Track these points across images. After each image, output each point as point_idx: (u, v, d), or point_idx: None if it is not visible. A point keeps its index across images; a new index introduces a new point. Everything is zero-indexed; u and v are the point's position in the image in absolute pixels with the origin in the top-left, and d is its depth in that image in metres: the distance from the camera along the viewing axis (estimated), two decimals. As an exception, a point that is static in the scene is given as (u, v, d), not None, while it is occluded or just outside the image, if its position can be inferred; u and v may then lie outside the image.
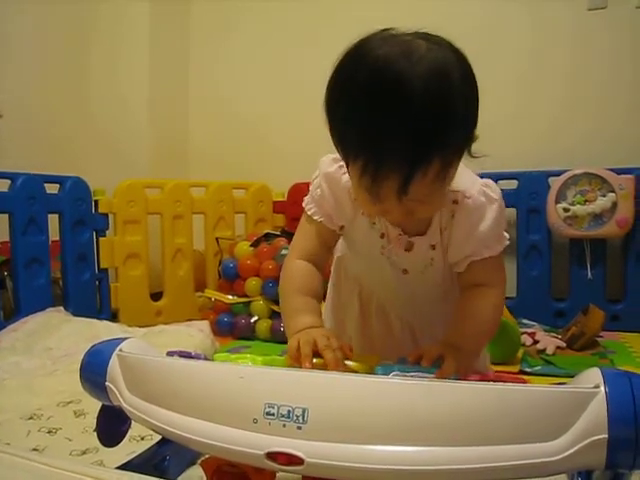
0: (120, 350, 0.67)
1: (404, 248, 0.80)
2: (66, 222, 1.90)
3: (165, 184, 2.18)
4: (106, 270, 2.04)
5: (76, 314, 1.81)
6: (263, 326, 1.93)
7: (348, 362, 0.62)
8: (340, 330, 0.91)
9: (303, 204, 0.85)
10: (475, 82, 0.67)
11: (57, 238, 1.91)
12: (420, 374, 0.55)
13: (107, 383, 0.66)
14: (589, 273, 1.87)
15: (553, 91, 2.09)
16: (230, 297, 2.04)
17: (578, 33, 2.05)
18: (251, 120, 2.55)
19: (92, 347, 0.71)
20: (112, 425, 0.72)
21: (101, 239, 2.02)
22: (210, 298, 2.08)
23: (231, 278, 2.06)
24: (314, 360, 0.62)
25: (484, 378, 0.56)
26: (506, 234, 0.81)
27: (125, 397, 0.64)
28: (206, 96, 2.65)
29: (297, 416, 0.50)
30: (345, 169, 0.75)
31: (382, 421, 0.49)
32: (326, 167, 0.82)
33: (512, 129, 2.11)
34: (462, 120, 0.65)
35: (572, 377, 0.53)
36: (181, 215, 2.19)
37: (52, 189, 1.88)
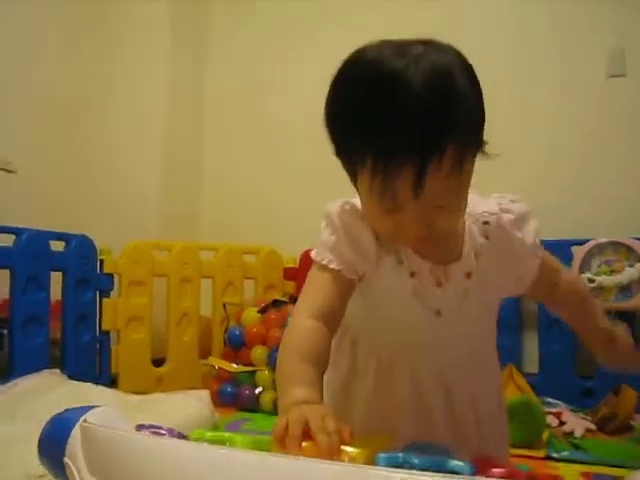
0: (84, 420, 0.59)
1: (436, 283, 0.73)
2: (69, 280, 1.85)
3: (173, 246, 2.13)
4: (108, 333, 1.97)
5: (73, 377, 1.72)
6: (268, 398, 1.82)
7: (345, 448, 0.51)
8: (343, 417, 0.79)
9: (313, 256, 0.75)
10: (477, 78, 0.66)
11: (60, 298, 1.86)
12: (431, 470, 0.45)
13: (65, 459, 0.57)
14: (618, 349, 1.74)
15: (575, 157, 2.04)
16: (235, 366, 1.94)
17: (600, 99, 2.02)
18: (263, 184, 2.52)
19: (55, 415, 0.62)
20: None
21: (104, 300, 1.96)
22: (214, 366, 1.99)
23: (237, 346, 1.97)
24: (303, 444, 0.52)
25: (512, 475, 0.46)
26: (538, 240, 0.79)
27: (85, 479, 0.55)
28: (219, 161, 2.65)
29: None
30: (356, 209, 0.72)
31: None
32: (338, 209, 0.74)
33: (531, 195, 2.04)
34: (469, 110, 0.64)
35: (605, 465, 0.42)
36: (189, 278, 2.13)
37: (58, 247, 1.84)
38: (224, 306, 2.16)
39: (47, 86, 2.19)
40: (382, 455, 0.47)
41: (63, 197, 2.17)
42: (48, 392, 1.54)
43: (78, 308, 1.87)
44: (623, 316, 1.75)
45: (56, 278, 1.84)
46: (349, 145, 0.66)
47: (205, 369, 2.07)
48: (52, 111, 2.21)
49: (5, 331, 1.78)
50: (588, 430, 1.51)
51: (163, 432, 0.57)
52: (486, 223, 0.74)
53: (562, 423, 1.56)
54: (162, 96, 2.50)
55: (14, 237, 1.71)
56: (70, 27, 2.29)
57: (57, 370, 1.71)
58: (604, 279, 1.73)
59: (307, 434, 0.52)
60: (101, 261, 1.96)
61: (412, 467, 0.45)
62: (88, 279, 1.91)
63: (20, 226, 1.73)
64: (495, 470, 0.48)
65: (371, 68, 0.63)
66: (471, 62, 0.65)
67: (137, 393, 1.71)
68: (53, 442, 0.59)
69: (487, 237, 0.74)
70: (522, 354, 1.97)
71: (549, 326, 1.90)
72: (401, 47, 0.64)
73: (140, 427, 0.58)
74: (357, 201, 0.73)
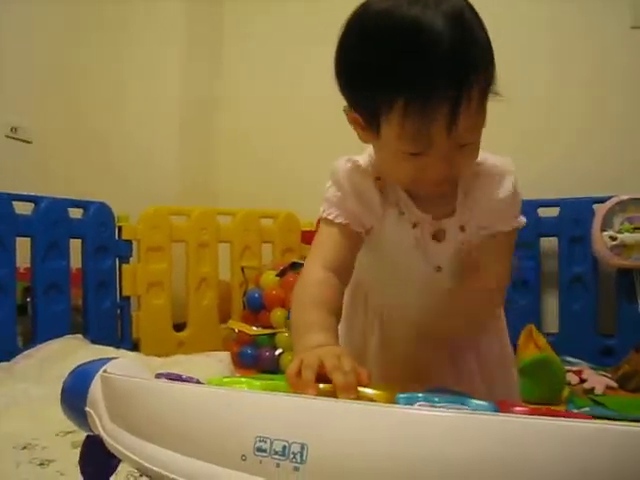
0: (104, 371, 0.59)
1: (435, 238, 0.75)
2: (88, 248, 1.86)
3: (191, 211, 2.13)
4: (128, 298, 1.99)
5: (95, 342, 1.75)
6: (288, 359, 1.83)
7: (363, 389, 0.51)
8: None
9: (320, 213, 0.77)
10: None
11: (80, 266, 1.88)
12: (455, 405, 0.44)
13: (87, 408, 0.58)
14: (640, 307, 1.72)
15: (602, 119, 1.97)
16: (254, 328, 1.96)
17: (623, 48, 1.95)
18: (279, 149, 2.50)
19: (76, 367, 0.63)
20: (98, 459, 0.63)
21: (124, 266, 1.97)
22: (234, 329, 2.00)
23: (256, 309, 1.98)
24: (320, 386, 0.51)
25: (535, 412, 0.45)
26: (522, 217, 0.79)
27: (106, 426, 0.55)
28: (234, 126, 2.63)
29: (294, 454, 0.40)
30: (359, 164, 0.74)
31: (404, 464, 0.39)
32: (344, 166, 0.76)
33: (550, 152, 2.00)
34: (485, 46, 0.66)
35: (626, 420, 0.41)
36: (207, 243, 2.14)
37: (76, 214, 1.86)
38: (242, 270, 2.16)
39: (62, 56, 2.17)
40: (402, 395, 0.46)
41: (80, 165, 2.17)
42: (72, 355, 1.57)
43: (98, 275, 1.89)
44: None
45: (76, 245, 1.86)
46: (374, 92, 0.65)
47: (225, 332, 2.09)
48: (67, 80, 2.19)
49: (29, 299, 1.82)
50: (609, 387, 1.50)
51: (183, 379, 0.57)
52: (476, 175, 0.75)
53: (583, 381, 1.55)
54: (177, 61, 2.47)
55: (33, 205, 1.72)
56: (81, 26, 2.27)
57: (79, 335, 1.75)
58: (626, 236, 1.70)
59: (323, 377, 0.52)
60: (119, 228, 1.97)
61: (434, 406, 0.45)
62: (107, 246, 1.92)
63: (38, 194, 1.74)
64: (518, 409, 0.47)
65: (390, 15, 0.64)
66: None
67: (159, 357, 1.74)
68: (75, 392, 0.60)
69: (476, 189, 0.75)
70: (542, 314, 1.95)
71: (569, 285, 1.88)
72: None
73: (159, 375, 0.59)
74: (360, 157, 0.76)
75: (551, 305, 1.96)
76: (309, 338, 0.61)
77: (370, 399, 0.49)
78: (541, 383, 1.39)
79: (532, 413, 0.44)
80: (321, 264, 0.72)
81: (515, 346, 1.76)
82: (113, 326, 1.95)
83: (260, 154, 2.55)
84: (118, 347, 1.72)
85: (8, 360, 1.54)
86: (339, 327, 0.68)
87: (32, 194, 1.72)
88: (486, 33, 0.66)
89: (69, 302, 1.80)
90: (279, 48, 2.52)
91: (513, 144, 2.00)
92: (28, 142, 2.05)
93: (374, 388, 0.51)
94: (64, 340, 1.66)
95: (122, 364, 0.62)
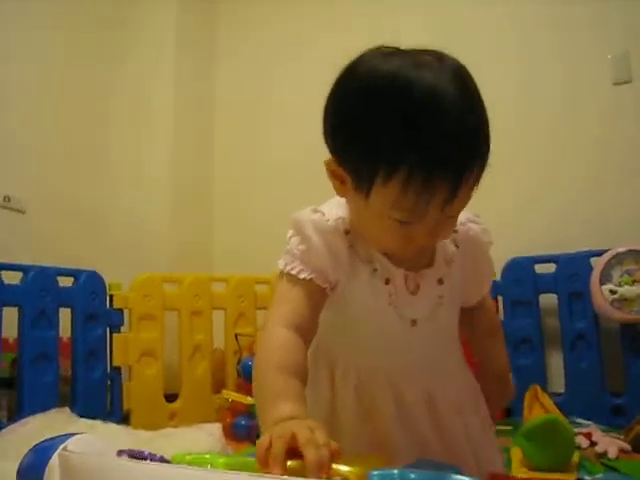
0: (64, 449, 0.55)
1: (410, 291, 0.72)
2: (78, 317, 1.83)
3: (184, 278, 2.10)
4: (119, 368, 1.93)
5: (84, 415, 1.68)
6: (283, 429, 1.75)
7: (337, 466, 0.46)
8: None
9: (280, 267, 0.71)
10: None
11: (69, 336, 1.84)
12: None
13: (41, 493, 0.53)
14: (647, 362, 1.66)
15: (582, 169, 1.98)
16: (249, 398, 1.88)
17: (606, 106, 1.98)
18: (275, 213, 2.50)
19: (36, 444, 0.59)
20: None
21: (115, 335, 1.93)
22: (227, 399, 1.93)
23: (250, 377, 1.91)
24: (289, 463, 0.46)
25: None
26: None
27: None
28: (229, 189, 2.65)
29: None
30: (328, 213, 0.72)
31: None
32: (309, 216, 0.72)
33: (546, 208, 2.00)
34: (487, 123, 0.65)
35: None
36: (200, 311, 2.10)
37: (67, 283, 1.83)
38: (236, 337, 2.11)
39: (50, 119, 2.21)
40: (375, 472, 0.42)
41: (72, 233, 2.17)
42: (58, 431, 1.50)
43: (88, 344, 1.84)
44: (650, 327, 1.68)
45: (65, 316, 1.82)
46: (376, 159, 0.62)
47: (219, 402, 2.01)
48: (57, 150, 2.22)
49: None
50: (622, 450, 1.42)
51: (145, 456, 0.53)
52: (454, 231, 0.74)
53: (593, 444, 1.47)
54: (170, 120, 2.51)
55: (21, 274, 1.70)
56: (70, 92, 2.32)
57: (66, 408, 1.67)
58: (627, 290, 1.66)
59: (294, 453, 0.47)
60: (111, 296, 1.94)
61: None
62: (97, 315, 1.88)
63: (27, 263, 1.72)
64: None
65: (401, 79, 0.61)
66: (472, 71, 0.65)
67: (150, 429, 1.66)
68: (31, 472, 0.55)
69: (456, 245, 0.76)
70: (547, 373, 1.88)
71: (574, 342, 1.82)
72: (413, 57, 0.64)
73: (121, 452, 0.54)
74: (325, 208, 0.73)
75: (555, 364, 1.89)
76: (277, 409, 0.56)
77: (344, 477, 0.45)
78: (549, 448, 1.30)
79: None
80: (284, 324, 0.66)
81: (520, 409, 1.70)
82: (102, 398, 1.88)
83: (256, 218, 2.55)
84: (106, 420, 1.65)
85: (-9, 436, 1.47)
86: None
87: (20, 263, 1.70)
88: (482, 100, 0.65)
89: (58, 373, 1.75)
90: (277, 113, 2.57)
91: (509, 202, 2.00)
92: (22, 212, 2.06)
93: (348, 464, 0.46)
94: (50, 414, 1.59)
95: (83, 440, 0.58)
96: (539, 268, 1.90)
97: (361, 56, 0.66)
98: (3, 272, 1.66)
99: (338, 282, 0.72)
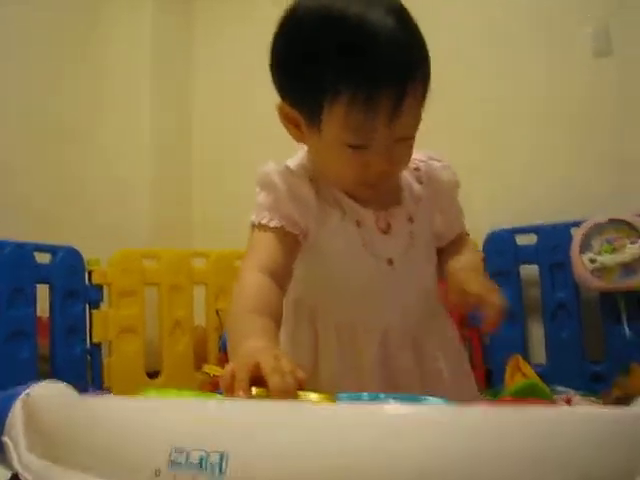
0: (27, 394, 0.53)
1: (381, 230, 0.73)
2: (57, 294, 1.79)
3: (163, 253, 2.08)
4: (99, 345, 1.91)
5: (62, 393, 1.66)
6: (266, 402, 1.75)
7: (303, 393, 0.45)
8: None
9: (251, 220, 0.74)
10: None
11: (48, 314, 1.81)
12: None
13: (4, 438, 0.51)
14: (626, 330, 1.66)
15: (564, 139, 1.98)
16: (231, 372, 1.88)
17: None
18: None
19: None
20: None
21: (94, 311, 1.90)
22: (209, 374, 1.92)
23: (232, 351, 1.90)
24: (253, 390, 0.46)
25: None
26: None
27: (22, 456, 0.49)
28: (210, 159, 2.61)
29: (212, 465, 0.35)
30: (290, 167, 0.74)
31: (337, 463, 0.33)
32: (274, 167, 0.74)
33: (525, 179, 1.99)
34: (424, 43, 0.68)
35: None
36: (180, 286, 2.08)
37: (43, 259, 1.80)
38: (217, 313, 2.10)
39: (30, 99, 2.16)
40: (344, 394, 0.41)
41: (45, 207, 2.13)
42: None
43: (67, 321, 1.81)
44: (628, 295, 1.69)
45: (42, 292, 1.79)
46: (319, 83, 0.65)
47: (201, 378, 2.00)
48: (35, 121, 2.17)
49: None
50: (600, 414, 1.44)
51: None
52: (417, 169, 0.78)
53: (572, 409, 1.49)
54: (148, 93, 2.46)
55: (-5, 251, 1.67)
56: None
57: (45, 384, 1.66)
58: (606, 258, 1.66)
59: (260, 380, 0.46)
60: (89, 272, 1.91)
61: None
62: (76, 291, 1.85)
63: (2, 239, 1.68)
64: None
65: (334, 9, 0.65)
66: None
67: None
68: (-8, 421, 0.53)
69: (420, 182, 0.78)
70: (528, 344, 1.89)
71: (554, 312, 1.83)
72: None
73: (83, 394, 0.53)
74: (288, 161, 0.76)
75: (537, 335, 1.91)
76: (247, 344, 0.56)
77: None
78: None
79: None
80: (257, 269, 0.68)
81: (502, 379, 1.71)
82: (83, 374, 1.86)
83: (237, 192, 2.51)
84: (85, 396, 1.63)
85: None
86: (281, 342, 0.63)
87: (-6, 238, 1.67)
88: (415, 24, 0.69)
89: (35, 350, 1.72)
90: (253, 79, 2.53)
91: (490, 173, 2.00)
92: None
93: (317, 392, 0.45)
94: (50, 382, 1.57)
95: (47, 387, 0.56)
96: (520, 239, 1.90)
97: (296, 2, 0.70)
98: (-23, 248, 1.62)
99: (309, 230, 0.72)
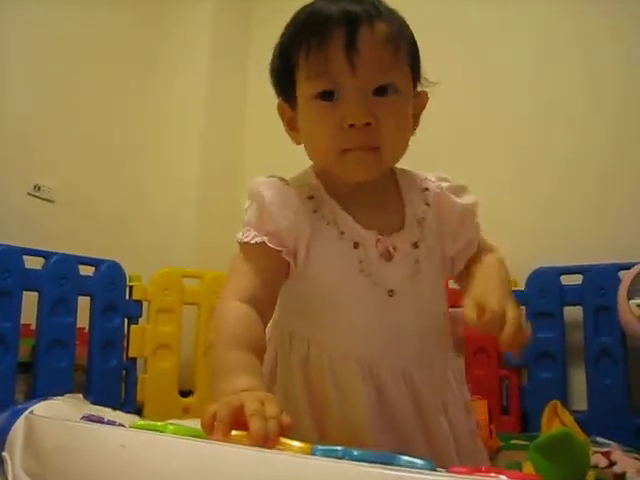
0: (31, 412, 0.55)
1: (384, 257, 0.68)
2: (97, 306, 1.85)
3: (205, 274, 2.11)
4: (134, 360, 1.95)
5: (96, 404, 1.69)
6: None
7: (285, 440, 0.44)
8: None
9: (237, 240, 0.71)
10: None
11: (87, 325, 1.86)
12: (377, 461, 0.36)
13: (3, 453, 0.53)
14: (674, 383, 1.57)
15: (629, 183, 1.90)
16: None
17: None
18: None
19: (11, 407, 0.59)
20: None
21: (132, 326, 1.95)
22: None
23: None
24: (233, 432, 0.44)
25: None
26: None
27: (16, 475, 0.50)
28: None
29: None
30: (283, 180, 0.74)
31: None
32: (263, 180, 0.72)
33: (574, 217, 1.93)
34: (395, 19, 0.71)
35: None
36: (219, 306, 2.10)
37: (87, 271, 1.86)
38: (253, 335, 2.11)
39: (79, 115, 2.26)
40: (319, 447, 0.40)
41: (97, 224, 2.21)
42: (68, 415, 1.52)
43: (105, 333, 1.86)
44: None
45: (85, 304, 1.85)
46: (286, 55, 0.72)
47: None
48: (87, 145, 2.27)
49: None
50: (642, 472, 1.35)
51: (104, 422, 0.52)
52: (425, 190, 0.74)
53: (612, 464, 1.40)
54: (201, 122, 2.53)
55: (43, 260, 1.73)
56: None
57: (80, 395, 1.69)
58: (655, 305, 1.58)
59: (243, 425, 0.45)
60: (130, 287, 1.96)
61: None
62: (116, 305, 1.90)
63: (50, 249, 1.75)
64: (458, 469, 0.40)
65: (303, 9, 0.72)
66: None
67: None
68: (-1, 432, 0.55)
69: (427, 204, 0.73)
70: (568, 389, 1.81)
71: (597, 358, 1.75)
72: None
73: (83, 417, 0.54)
74: (288, 178, 0.74)
75: (579, 381, 1.82)
76: (231, 382, 0.55)
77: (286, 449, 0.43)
78: (561, 463, 1.24)
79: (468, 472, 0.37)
80: (236, 297, 0.65)
81: (538, 425, 1.63)
82: (117, 387, 1.89)
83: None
84: (116, 409, 1.66)
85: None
86: (268, 372, 0.62)
87: (43, 249, 1.74)
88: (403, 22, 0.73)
89: (73, 359, 1.77)
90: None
91: (532, 209, 1.95)
92: (50, 201, 2.11)
93: (298, 440, 0.44)
94: (62, 398, 1.61)
95: (54, 405, 0.58)
96: (565, 279, 1.83)
97: None
98: (26, 257, 1.69)
99: (298, 243, 0.68)
